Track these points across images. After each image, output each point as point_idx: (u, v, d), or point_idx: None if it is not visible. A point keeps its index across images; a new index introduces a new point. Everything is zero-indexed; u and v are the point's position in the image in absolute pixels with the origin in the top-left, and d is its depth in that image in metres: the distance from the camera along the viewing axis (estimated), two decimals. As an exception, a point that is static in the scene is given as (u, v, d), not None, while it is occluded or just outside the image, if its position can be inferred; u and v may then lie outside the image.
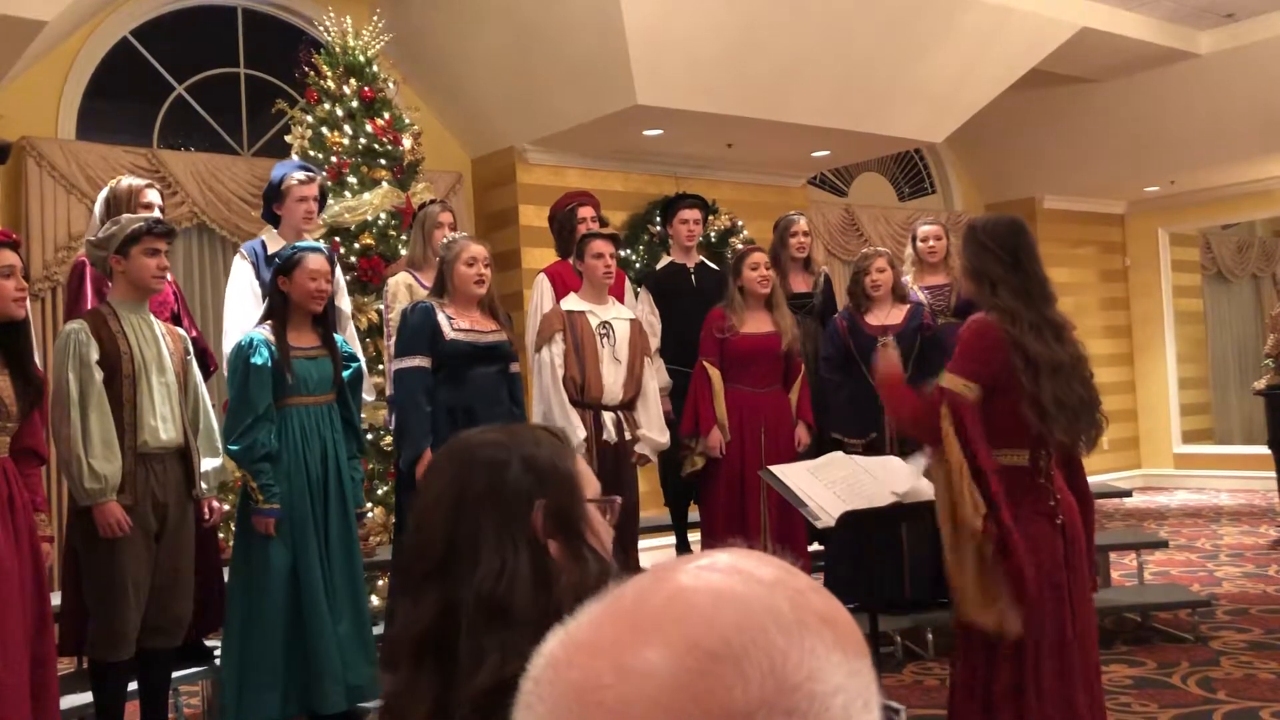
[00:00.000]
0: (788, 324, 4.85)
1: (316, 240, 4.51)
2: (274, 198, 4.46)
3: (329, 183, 5.26)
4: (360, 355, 4.56)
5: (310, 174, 4.50)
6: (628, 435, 4.53)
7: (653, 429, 4.62)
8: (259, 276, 4.38)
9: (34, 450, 3.18)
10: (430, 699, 1.20)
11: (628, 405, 4.57)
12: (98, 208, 4.07)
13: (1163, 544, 5.92)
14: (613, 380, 4.51)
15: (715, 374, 4.80)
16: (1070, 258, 10.42)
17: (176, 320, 4.06)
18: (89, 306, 3.74)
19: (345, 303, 4.70)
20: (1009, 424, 2.84)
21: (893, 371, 3.08)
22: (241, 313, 4.26)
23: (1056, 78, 8.68)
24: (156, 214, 3.92)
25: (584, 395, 4.46)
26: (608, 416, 4.49)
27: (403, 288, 4.64)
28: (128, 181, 4.10)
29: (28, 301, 3.16)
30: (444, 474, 1.30)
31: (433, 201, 5.04)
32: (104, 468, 3.30)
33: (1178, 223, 10.94)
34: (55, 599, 3.59)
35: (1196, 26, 8.34)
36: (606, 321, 4.56)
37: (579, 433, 4.33)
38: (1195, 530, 7.97)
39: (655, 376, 4.83)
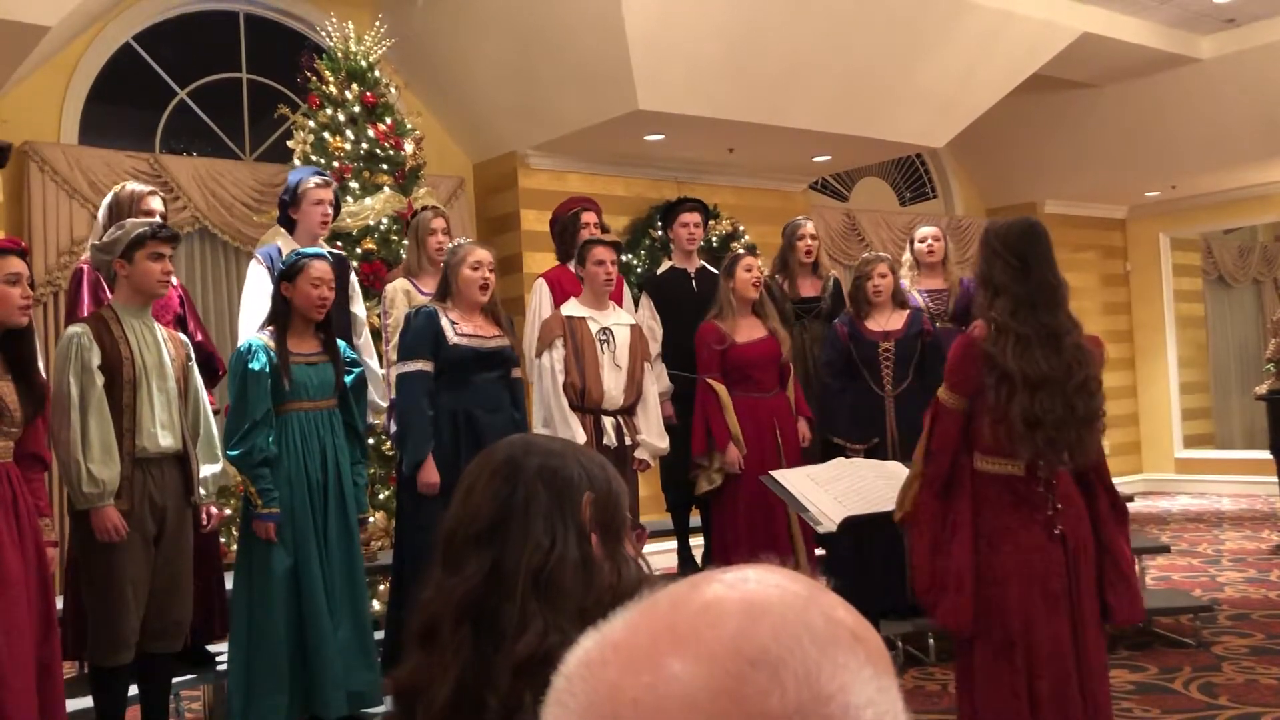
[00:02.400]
0: (783, 330, 4.88)
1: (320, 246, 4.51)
2: (291, 202, 4.47)
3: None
4: (374, 360, 4.57)
5: (326, 179, 4.53)
6: (628, 440, 4.53)
7: (652, 434, 4.62)
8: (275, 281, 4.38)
9: (37, 455, 3.19)
10: (456, 672, 1.21)
11: (628, 410, 4.57)
12: (101, 214, 4.08)
13: (1164, 549, 5.92)
14: (613, 385, 4.51)
15: (721, 389, 4.77)
16: (1071, 262, 10.40)
17: (181, 324, 4.07)
18: (86, 312, 3.75)
19: (360, 308, 4.71)
20: (1004, 434, 2.85)
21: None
22: (258, 317, 4.26)
23: (1058, 82, 8.69)
24: (158, 220, 3.93)
25: (584, 400, 4.46)
26: (608, 421, 4.50)
27: (400, 293, 4.65)
28: (130, 187, 4.12)
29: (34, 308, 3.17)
30: (499, 452, 1.35)
31: (425, 208, 5.05)
32: (102, 472, 3.30)
33: (1179, 227, 10.94)
34: (60, 603, 3.59)
35: (1197, 31, 8.35)
36: (606, 327, 4.57)
37: (579, 438, 4.33)
38: (1197, 535, 7.96)
39: (655, 382, 4.83)
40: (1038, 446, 2.78)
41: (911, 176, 10.08)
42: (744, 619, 0.54)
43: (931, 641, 4.70)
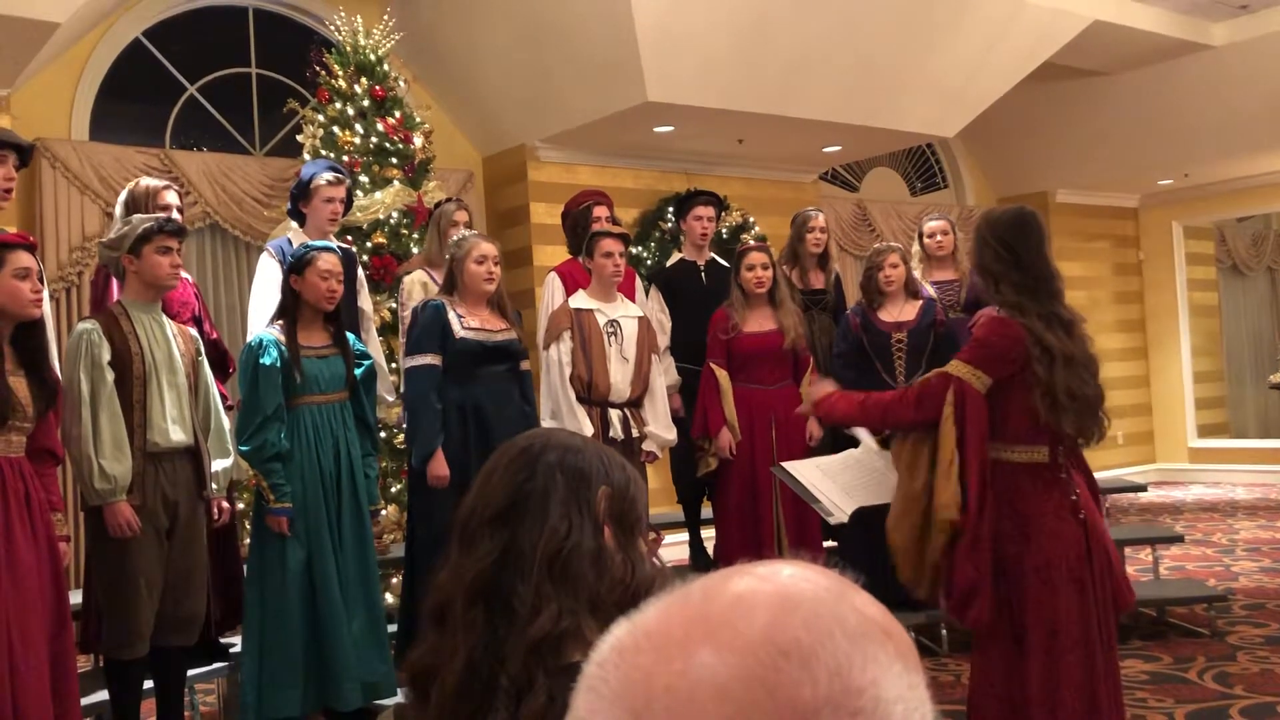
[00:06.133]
0: (791, 321, 4.85)
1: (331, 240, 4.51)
2: (301, 195, 4.46)
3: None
4: (379, 355, 4.57)
5: (340, 176, 4.51)
6: (635, 433, 4.53)
7: (659, 426, 4.62)
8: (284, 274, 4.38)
9: (50, 450, 3.20)
10: (466, 652, 1.23)
11: (634, 403, 4.57)
12: (118, 210, 4.09)
13: (1178, 539, 5.89)
14: (620, 378, 4.51)
15: (722, 375, 4.80)
16: (1083, 252, 10.38)
17: (199, 322, 4.08)
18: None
19: (367, 302, 4.72)
20: (1027, 421, 2.83)
21: (822, 392, 3.12)
22: (269, 311, 4.27)
23: (1069, 71, 8.64)
24: (174, 215, 3.94)
25: (591, 393, 4.47)
26: (614, 414, 4.50)
27: (418, 285, 4.65)
28: (146, 182, 4.13)
29: (46, 303, 3.17)
30: (519, 443, 1.37)
31: (449, 200, 5.04)
32: (114, 468, 3.32)
33: (1192, 216, 10.88)
34: (74, 598, 3.61)
35: (1210, 18, 8.29)
36: (614, 320, 4.56)
37: (586, 430, 4.33)
38: (1211, 525, 7.93)
39: (663, 374, 4.83)
40: (1076, 420, 2.79)
41: (922, 166, 10.05)
42: (777, 611, 0.54)
43: (944, 632, 4.69)
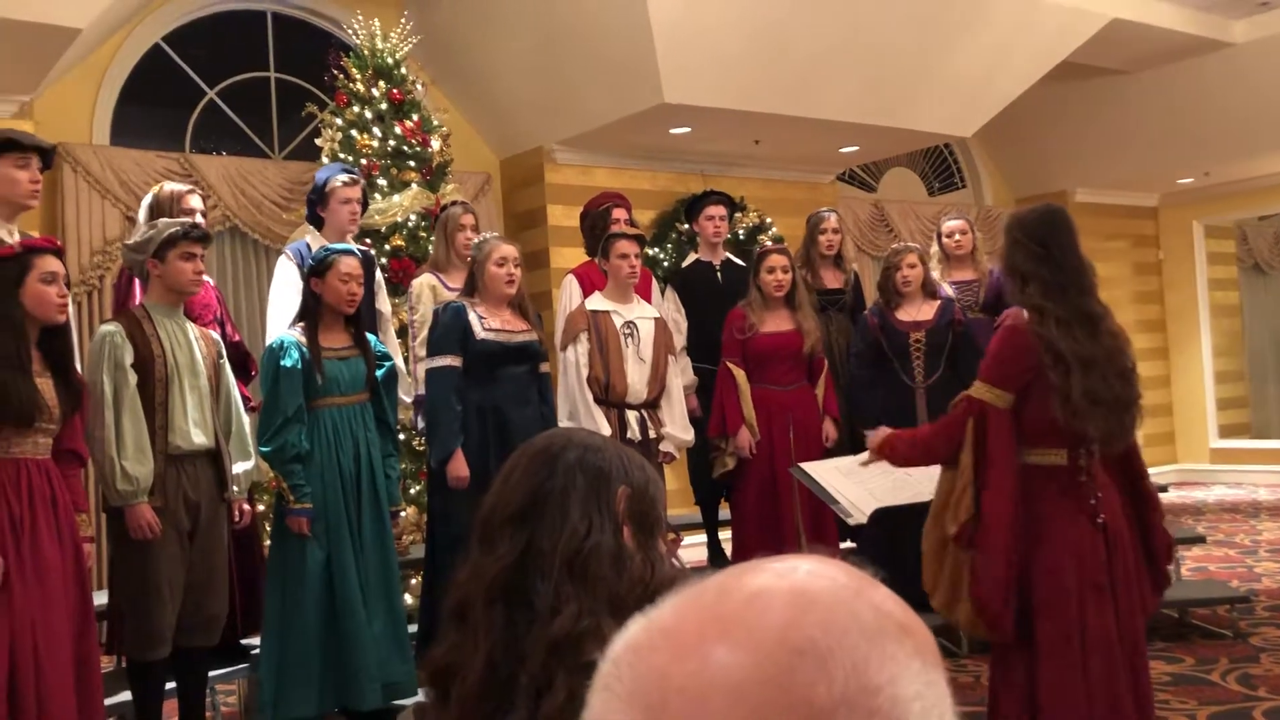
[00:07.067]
0: (810, 324, 4.85)
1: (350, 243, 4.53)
2: (318, 200, 4.49)
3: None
4: (398, 356, 4.59)
5: (354, 176, 4.54)
6: (652, 434, 4.54)
7: (676, 427, 4.63)
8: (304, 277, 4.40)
9: (75, 451, 3.23)
10: (486, 651, 1.23)
11: (652, 404, 4.58)
12: (142, 213, 4.12)
13: (1200, 539, 5.85)
14: (637, 379, 4.51)
15: (740, 374, 4.80)
16: (1103, 251, 10.30)
17: (221, 324, 4.11)
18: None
19: (385, 304, 4.74)
20: (1044, 424, 2.82)
21: (880, 439, 3.13)
22: (287, 313, 4.29)
23: (1088, 69, 8.60)
24: (198, 219, 3.97)
25: (608, 394, 4.47)
26: (632, 415, 4.51)
27: (426, 289, 4.67)
28: (170, 187, 4.16)
29: (70, 307, 3.21)
30: (540, 442, 1.38)
31: (454, 203, 5.06)
32: (136, 470, 3.34)
33: (1212, 214, 10.81)
34: (99, 599, 3.63)
35: (1230, 15, 8.23)
36: (631, 321, 4.57)
37: (604, 432, 4.33)
38: (1233, 525, 7.87)
39: (680, 374, 4.83)
40: (1101, 424, 2.77)
41: (940, 166, 10.01)
42: (792, 609, 0.53)
43: (963, 634, 4.67)
